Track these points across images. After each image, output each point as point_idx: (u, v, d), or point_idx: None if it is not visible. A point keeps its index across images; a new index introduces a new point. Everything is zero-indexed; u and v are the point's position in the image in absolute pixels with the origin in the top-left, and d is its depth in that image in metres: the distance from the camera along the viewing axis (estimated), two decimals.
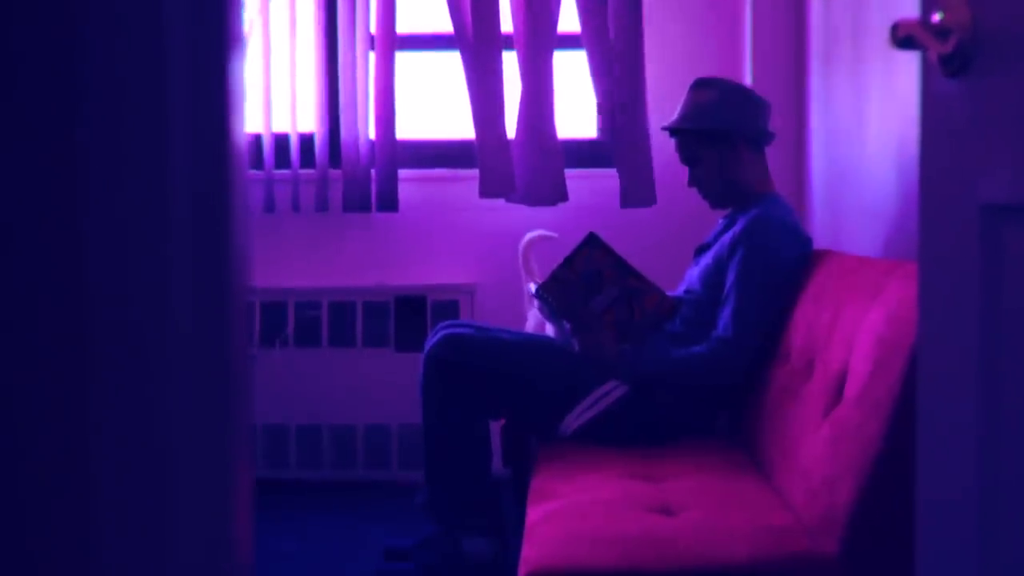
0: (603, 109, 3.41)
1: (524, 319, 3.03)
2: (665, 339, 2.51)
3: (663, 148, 3.42)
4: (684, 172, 2.70)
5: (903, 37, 1.05)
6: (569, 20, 3.47)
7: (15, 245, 0.48)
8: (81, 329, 0.49)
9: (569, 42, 3.49)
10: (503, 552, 2.55)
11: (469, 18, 3.36)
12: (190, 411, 0.52)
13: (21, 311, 0.48)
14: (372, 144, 3.44)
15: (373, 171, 3.43)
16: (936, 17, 1.05)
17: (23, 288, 0.48)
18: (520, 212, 3.44)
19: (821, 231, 2.97)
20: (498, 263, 3.46)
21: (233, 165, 0.56)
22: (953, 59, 1.04)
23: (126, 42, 0.49)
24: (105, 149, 0.49)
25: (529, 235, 3.07)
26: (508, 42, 3.40)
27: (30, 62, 0.48)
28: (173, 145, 0.51)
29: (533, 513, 1.97)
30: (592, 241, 2.51)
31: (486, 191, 3.37)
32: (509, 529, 2.64)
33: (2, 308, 0.48)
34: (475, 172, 3.43)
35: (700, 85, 2.63)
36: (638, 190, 3.36)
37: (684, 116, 2.61)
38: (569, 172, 3.47)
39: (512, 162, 3.37)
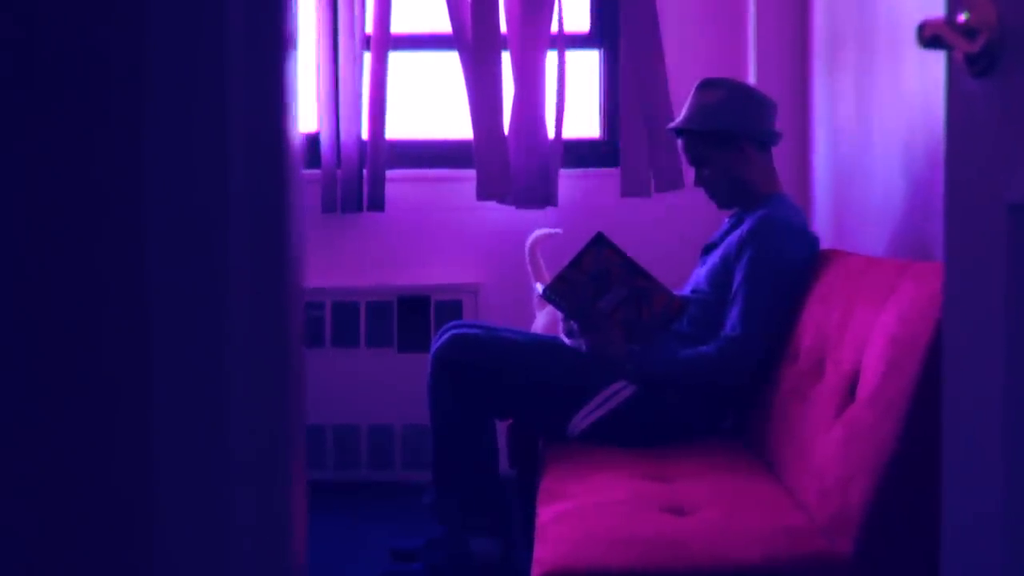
0: (610, 109, 3.42)
1: (531, 318, 3.02)
2: (672, 339, 2.51)
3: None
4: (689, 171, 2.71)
5: (930, 37, 1.04)
6: (572, 20, 3.47)
7: (78, 244, 0.48)
8: (142, 327, 0.49)
9: (575, 42, 3.50)
10: (510, 552, 2.55)
11: (468, 19, 3.36)
12: (249, 409, 0.52)
13: (83, 309, 0.48)
14: (365, 144, 3.44)
15: (364, 171, 3.43)
16: (962, 17, 1.05)
17: (86, 286, 0.48)
18: (523, 211, 3.44)
19: (825, 231, 2.97)
20: (502, 263, 3.46)
21: (289, 164, 0.56)
22: (980, 59, 1.04)
23: (188, 44, 0.49)
24: (167, 149, 0.49)
25: (535, 234, 3.06)
26: (506, 43, 3.40)
27: (96, 66, 0.48)
28: (232, 145, 0.51)
29: (544, 513, 1.97)
30: (600, 241, 2.50)
31: (483, 193, 3.37)
32: (516, 530, 2.64)
33: (66, 307, 0.48)
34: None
35: (706, 85, 2.63)
36: (667, 176, 3.36)
37: (690, 117, 2.61)
38: (572, 172, 3.47)
39: (509, 164, 3.37)
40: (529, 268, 3.05)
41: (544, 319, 2.91)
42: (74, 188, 0.48)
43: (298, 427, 0.55)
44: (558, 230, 3.09)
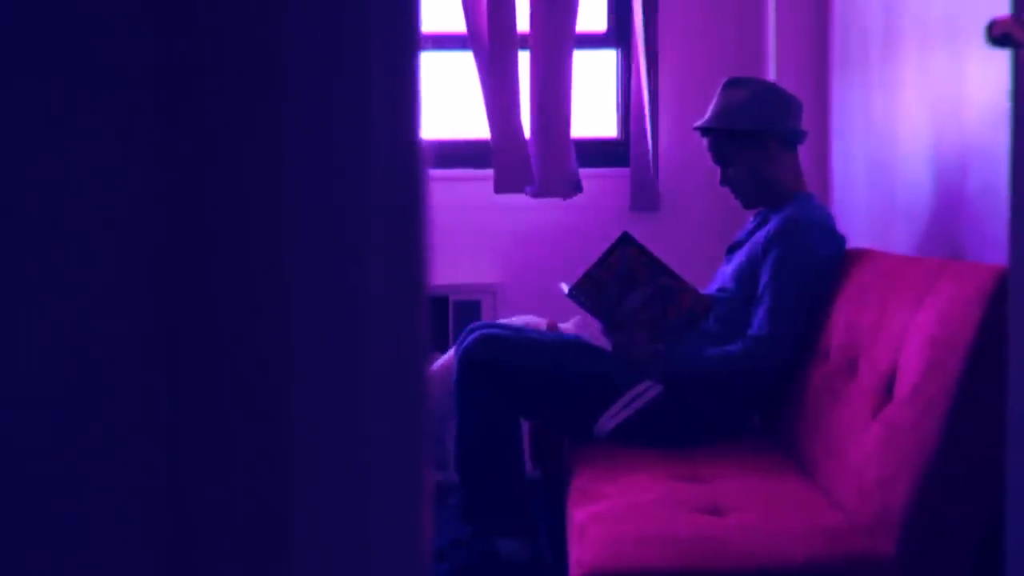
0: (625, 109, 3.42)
1: (551, 318, 3.00)
2: (699, 338, 2.51)
3: (683, 147, 3.42)
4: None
5: (999, 35, 1.04)
6: (587, 19, 3.46)
7: (218, 247, 0.48)
8: (283, 329, 0.48)
9: (590, 42, 3.49)
10: (536, 553, 2.54)
11: (484, 18, 3.35)
12: (388, 410, 0.52)
13: (224, 313, 0.48)
14: None
15: None
16: None
17: (226, 290, 0.48)
18: (539, 211, 3.43)
19: (846, 230, 2.96)
20: (520, 262, 3.45)
21: (420, 163, 0.56)
22: None
23: (330, 42, 0.49)
24: (308, 149, 0.49)
25: None
26: (522, 42, 3.40)
27: (236, 66, 0.47)
28: (373, 145, 0.51)
29: (579, 514, 1.96)
30: (626, 240, 2.50)
31: (501, 187, 3.36)
32: (541, 530, 2.63)
33: (206, 309, 0.48)
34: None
35: (732, 85, 2.62)
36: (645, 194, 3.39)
37: (716, 116, 2.60)
38: (586, 171, 3.46)
39: (528, 158, 3.36)
40: None
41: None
42: (213, 191, 0.48)
43: (427, 427, 0.55)
44: None
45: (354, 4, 0.50)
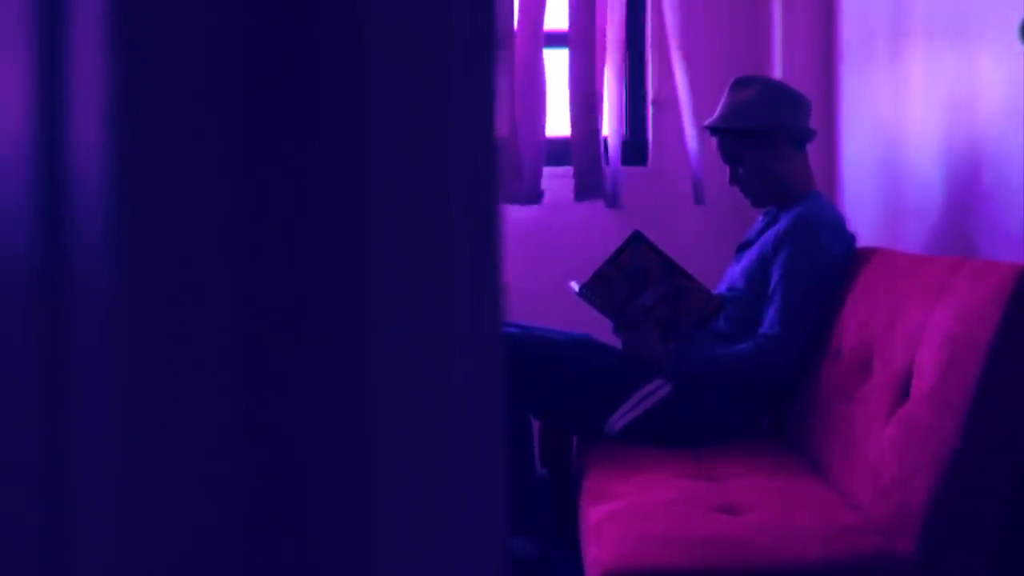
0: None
1: (559, 317, 2.99)
2: (709, 337, 2.51)
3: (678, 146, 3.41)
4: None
5: None
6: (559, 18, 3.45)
7: (301, 245, 0.48)
8: (365, 326, 0.48)
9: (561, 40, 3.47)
10: (547, 552, 2.54)
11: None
12: (471, 407, 0.52)
13: (307, 308, 0.48)
14: None
15: None
16: None
17: (310, 285, 0.48)
18: (547, 212, 3.43)
19: (855, 229, 2.96)
20: (526, 262, 3.45)
21: (496, 162, 0.56)
22: None
23: (412, 39, 0.49)
24: (391, 147, 0.48)
25: None
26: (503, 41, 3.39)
27: (324, 66, 0.47)
28: (452, 144, 0.51)
29: (593, 514, 1.96)
30: (637, 239, 2.50)
31: None
32: (551, 529, 2.63)
33: (290, 304, 0.48)
34: None
35: (740, 84, 2.62)
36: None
37: (725, 115, 2.61)
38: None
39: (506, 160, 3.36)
40: None
41: None
42: (299, 187, 0.48)
43: (503, 424, 0.55)
44: None
45: (438, 4, 0.50)
